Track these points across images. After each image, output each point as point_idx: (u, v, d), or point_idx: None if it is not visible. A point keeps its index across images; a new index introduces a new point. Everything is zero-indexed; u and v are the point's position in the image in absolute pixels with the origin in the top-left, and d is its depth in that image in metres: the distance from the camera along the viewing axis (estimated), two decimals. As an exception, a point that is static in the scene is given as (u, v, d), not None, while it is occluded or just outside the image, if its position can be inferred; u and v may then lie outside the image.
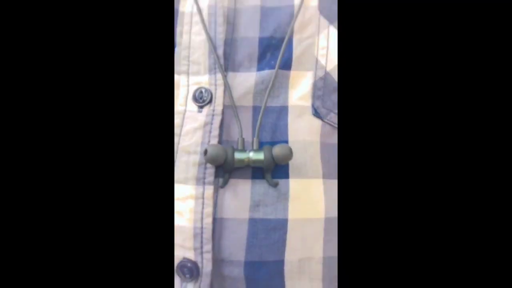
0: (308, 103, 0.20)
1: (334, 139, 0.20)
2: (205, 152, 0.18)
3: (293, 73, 0.20)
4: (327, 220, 0.18)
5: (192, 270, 0.18)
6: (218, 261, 0.18)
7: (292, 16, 0.20)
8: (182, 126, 0.19)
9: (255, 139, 0.19)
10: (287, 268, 0.18)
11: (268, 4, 0.21)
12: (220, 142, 0.19)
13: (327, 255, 0.18)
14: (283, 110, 0.20)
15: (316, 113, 0.19)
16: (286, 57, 0.20)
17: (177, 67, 0.20)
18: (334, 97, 0.20)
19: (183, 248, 0.18)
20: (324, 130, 0.19)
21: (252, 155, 0.18)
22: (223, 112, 0.19)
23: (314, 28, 0.20)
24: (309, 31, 0.20)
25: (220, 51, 0.20)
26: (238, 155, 0.18)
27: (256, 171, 0.19)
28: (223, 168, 0.18)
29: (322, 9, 0.21)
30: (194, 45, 0.20)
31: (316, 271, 0.18)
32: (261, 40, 0.20)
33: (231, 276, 0.18)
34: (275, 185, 0.18)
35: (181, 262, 0.18)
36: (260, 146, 0.19)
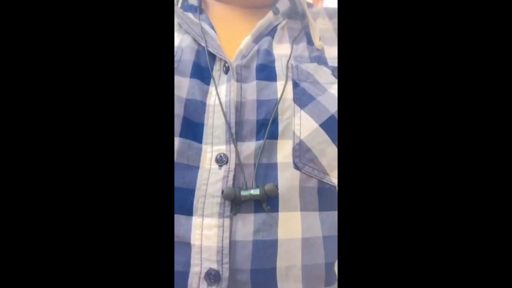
0: (290, 160, 0.29)
1: (308, 183, 0.29)
2: (222, 192, 0.27)
3: (279, 141, 0.30)
4: (303, 239, 0.28)
5: (215, 277, 0.27)
6: (232, 270, 0.27)
7: (276, 105, 0.30)
8: (208, 178, 0.28)
9: (253, 182, 0.28)
10: (278, 273, 0.27)
11: (261, 98, 0.31)
12: (232, 186, 0.29)
13: (304, 263, 0.28)
14: (273, 165, 0.29)
15: (296, 167, 0.29)
16: (273, 131, 0.29)
17: (204, 140, 0.30)
18: (308, 155, 0.29)
19: (209, 261, 0.27)
20: (302, 178, 0.29)
21: (252, 191, 0.28)
22: (234, 169, 0.29)
23: (290, 112, 0.30)
24: (287, 114, 0.30)
25: (233, 130, 0.29)
26: (243, 192, 0.28)
27: (257, 207, 0.28)
28: (234, 202, 0.27)
29: (295, 100, 0.31)
30: (216, 125, 0.30)
31: (297, 275, 0.28)
32: (258, 121, 0.30)
33: (241, 280, 0.27)
34: (268, 211, 0.28)
35: (208, 271, 0.27)
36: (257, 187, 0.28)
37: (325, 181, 0.29)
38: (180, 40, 0.33)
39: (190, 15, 0.35)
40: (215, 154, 0.29)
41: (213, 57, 0.32)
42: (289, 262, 0.28)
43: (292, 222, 0.28)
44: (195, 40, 0.33)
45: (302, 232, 0.28)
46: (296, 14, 0.38)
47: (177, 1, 0.37)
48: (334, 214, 0.29)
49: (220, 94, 0.30)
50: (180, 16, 0.35)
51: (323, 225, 0.29)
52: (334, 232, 0.29)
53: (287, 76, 0.30)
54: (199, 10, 0.36)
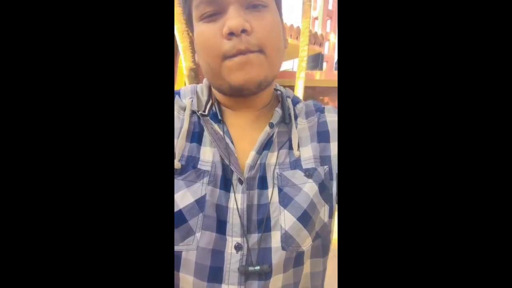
0: (279, 245, 0.42)
1: (289, 255, 0.42)
2: (238, 269, 0.40)
3: (272, 233, 0.42)
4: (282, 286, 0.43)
5: None
6: None
7: (268, 207, 0.43)
8: (230, 259, 0.41)
9: (257, 261, 0.41)
10: None
11: (260, 203, 0.44)
12: (245, 264, 0.41)
13: None
14: (269, 249, 0.42)
15: (283, 249, 0.41)
16: (267, 226, 0.42)
17: (227, 232, 0.42)
18: (290, 240, 0.42)
19: None
20: (286, 254, 0.42)
21: (256, 268, 0.40)
22: (246, 254, 0.41)
23: (277, 212, 0.43)
24: (276, 213, 0.43)
25: (245, 228, 0.42)
26: (250, 268, 0.40)
27: (260, 277, 0.40)
28: (245, 274, 0.40)
29: (280, 203, 0.43)
30: (235, 224, 0.42)
31: None
32: (258, 220, 0.42)
33: None
34: (266, 279, 0.41)
35: None
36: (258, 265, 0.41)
37: (299, 251, 0.43)
38: (213, 154, 0.44)
39: (215, 127, 0.45)
40: (234, 243, 0.42)
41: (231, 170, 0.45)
42: None
43: (277, 283, 0.43)
44: (220, 156, 0.45)
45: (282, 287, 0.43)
46: (285, 121, 0.48)
47: (204, 108, 0.47)
48: (300, 268, 0.44)
49: (237, 201, 0.43)
50: (208, 129, 0.45)
51: (294, 277, 0.44)
52: (299, 277, 0.44)
53: (273, 185, 0.44)
54: (222, 120, 0.46)
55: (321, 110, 0.51)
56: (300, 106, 0.52)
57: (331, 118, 0.49)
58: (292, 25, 7.87)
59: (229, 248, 0.41)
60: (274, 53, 0.42)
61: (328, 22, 9.13)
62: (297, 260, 0.43)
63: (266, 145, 0.46)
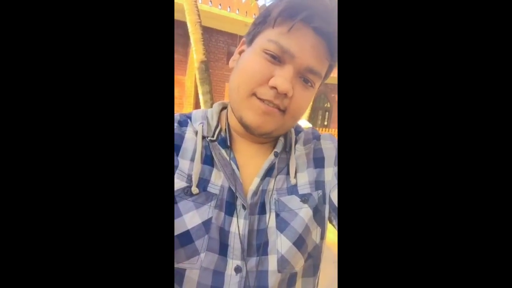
0: (275, 268, 0.43)
1: (284, 277, 0.44)
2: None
3: (269, 256, 0.43)
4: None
5: None
6: None
7: (266, 232, 0.45)
8: (230, 281, 0.42)
9: (255, 282, 0.42)
10: None
11: (259, 228, 0.45)
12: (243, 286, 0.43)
13: None
14: (265, 272, 0.43)
15: (279, 271, 0.43)
16: (265, 250, 0.44)
17: (228, 255, 0.43)
18: (286, 263, 0.43)
19: None
20: (281, 276, 0.43)
21: None
22: (245, 276, 0.42)
23: (274, 236, 0.44)
24: (273, 237, 0.44)
25: (245, 253, 0.43)
26: None
27: None
28: None
29: (277, 227, 0.45)
30: (236, 248, 0.43)
31: None
32: (257, 245, 0.44)
33: None
34: None
35: None
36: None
37: (292, 272, 0.45)
38: (222, 179, 0.46)
39: (223, 152, 0.47)
40: (234, 265, 0.43)
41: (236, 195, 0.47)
42: None
43: None
44: (226, 180, 0.46)
45: None
46: (285, 149, 0.50)
47: (214, 134, 0.48)
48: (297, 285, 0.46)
49: (240, 226, 0.44)
50: (216, 155, 0.46)
51: None
52: None
53: (270, 209, 0.46)
54: (229, 146, 0.48)
55: (317, 138, 0.54)
56: (300, 134, 0.54)
57: (326, 145, 0.51)
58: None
59: (230, 270, 0.43)
60: (294, 119, 0.45)
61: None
62: (290, 280, 0.45)
63: (268, 172, 0.48)
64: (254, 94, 0.41)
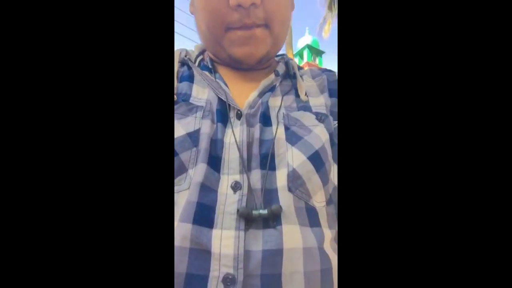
0: (285, 184, 0.35)
1: (299, 204, 0.35)
2: (238, 211, 0.33)
3: (277, 172, 0.36)
4: (304, 248, 0.33)
5: (232, 280, 0.31)
6: (245, 275, 0.31)
7: (273, 142, 0.38)
8: (225, 200, 0.34)
9: (262, 204, 0.34)
10: (283, 278, 0.32)
11: (263, 138, 0.38)
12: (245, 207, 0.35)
13: (306, 270, 0.32)
14: (274, 190, 0.35)
15: (290, 190, 0.35)
16: (272, 164, 0.36)
17: (221, 171, 0.36)
18: (298, 181, 0.36)
19: (227, 266, 0.32)
20: (294, 199, 0.35)
21: (261, 211, 0.33)
22: (247, 194, 0.34)
23: (284, 148, 0.37)
24: (282, 150, 0.37)
25: (245, 163, 0.36)
26: (254, 212, 0.33)
27: (264, 224, 0.34)
28: (247, 219, 0.33)
29: (287, 140, 0.38)
30: (232, 159, 0.36)
31: (300, 280, 0.32)
32: (261, 155, 0.37)
33: (252, 284, 0.32)
34: (275, 226, 0.33)
35: (225, 275, 0.31)
36: (265, 208, 0.34)
37: (309, 203, 0.36)
38: (208, 93, 0.40)
39: (207, 73, 0.42)
40: (230, 181, 0.35)
41: (228, 106, 0.40)
42: (293, 269, 0.33)
43: (293, 234, 0.34)
44: (215, 94, 0.40)
45: (303, 242, 0.34)
46: (289, 76, 0.46)
47: (195, 61, 0.44)
48: (319, 230, 0.36)
49: (236, 134, 0.37)
50: (200, 74, 0.42)
51: (315, 238, 0.34)
52: (321, 244, 0.35)
53: (278, 122, 0.39)
54: (213, 71, 0.43)
55: (328, 71, 0.48)
56: (302, 71, 0.48)
57: None
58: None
59: (224, 188, 0.34)
60: (280, 27, 0.40)
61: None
62: (312, 216, 0.35)
63: (269, 90, 0.42)
64: (227, 29, 0.38)
